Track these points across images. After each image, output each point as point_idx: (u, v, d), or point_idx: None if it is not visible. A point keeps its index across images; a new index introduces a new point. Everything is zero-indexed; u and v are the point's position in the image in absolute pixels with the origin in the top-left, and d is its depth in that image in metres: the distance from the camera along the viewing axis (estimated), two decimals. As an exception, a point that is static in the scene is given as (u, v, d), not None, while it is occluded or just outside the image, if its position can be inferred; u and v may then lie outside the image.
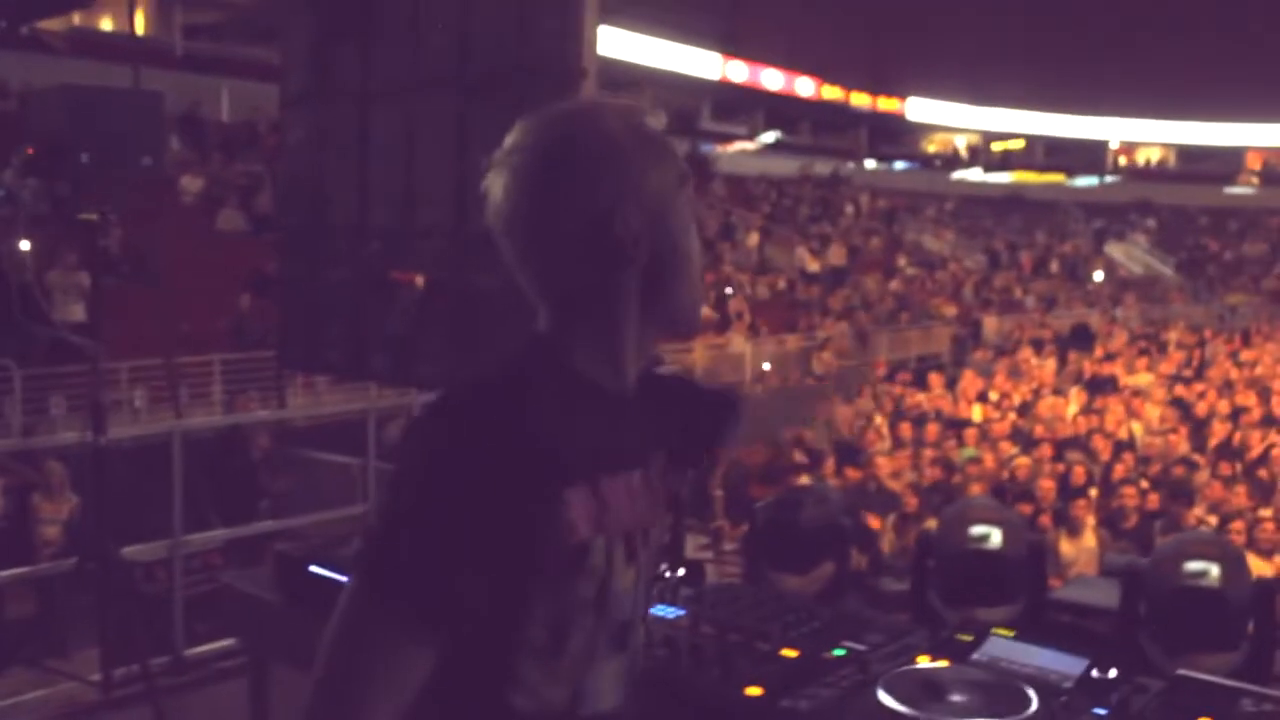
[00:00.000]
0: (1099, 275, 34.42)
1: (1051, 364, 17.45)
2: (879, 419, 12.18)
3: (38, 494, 7.62)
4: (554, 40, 4.20)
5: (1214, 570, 3.73)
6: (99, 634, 4.63)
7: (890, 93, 41.22)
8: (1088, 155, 44.60)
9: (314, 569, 2.63)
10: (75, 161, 4.45)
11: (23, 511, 7.55)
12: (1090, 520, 7.97)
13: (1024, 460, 9.85)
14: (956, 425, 11.85)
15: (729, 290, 19.97)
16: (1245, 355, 18.71)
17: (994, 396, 14.14)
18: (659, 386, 1.52)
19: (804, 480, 8.77)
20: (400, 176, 4.66)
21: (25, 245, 4.56)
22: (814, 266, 24.94)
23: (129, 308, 8.83)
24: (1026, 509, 7.96)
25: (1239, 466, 10.06)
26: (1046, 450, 10.28)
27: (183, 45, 22.56)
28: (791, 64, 36.53)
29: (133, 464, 5.58)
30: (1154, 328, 24.52)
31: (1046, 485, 8.66)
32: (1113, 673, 1.91)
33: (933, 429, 11.28)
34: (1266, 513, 8.18)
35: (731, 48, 34.08)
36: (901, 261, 28.67)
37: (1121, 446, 10.66)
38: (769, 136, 36.72)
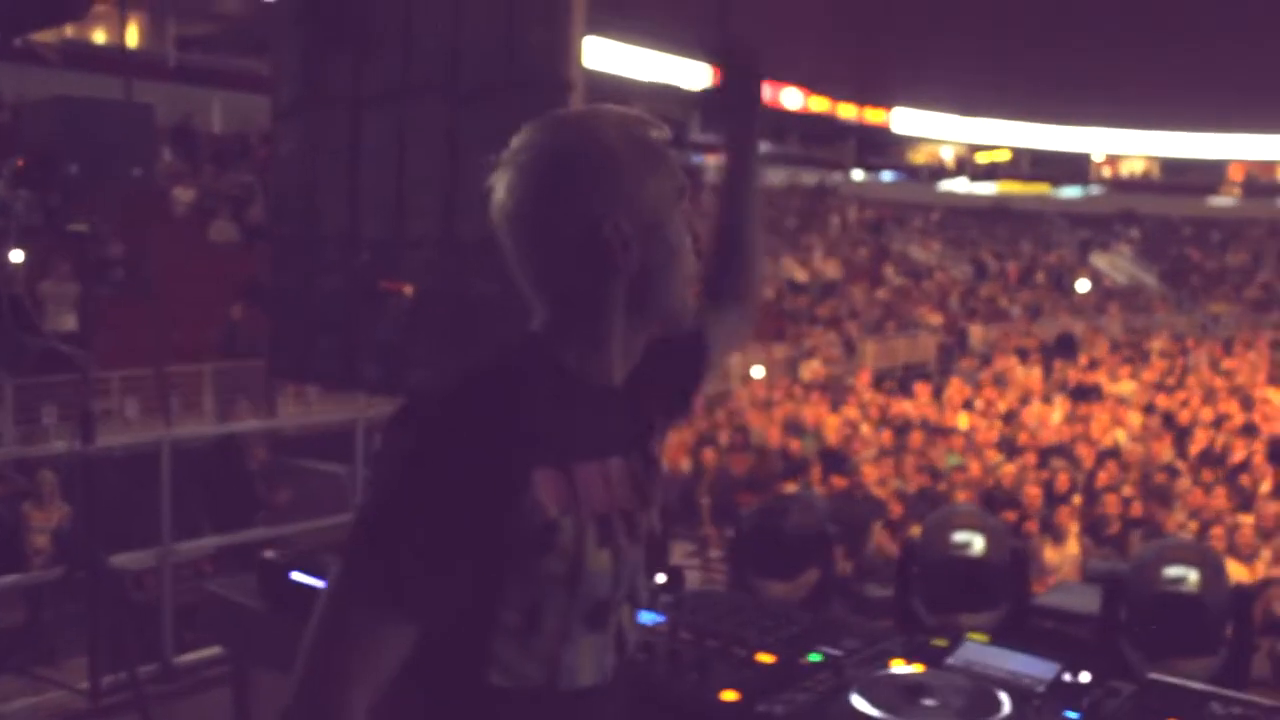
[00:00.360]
0: (1084, 285, 34.55)
1: (1037, 372, 17.53)
2: (865, 427, 12.22)
3: (28, 503, 7.63)
4: (542, 52, 4.24)
5: (1193, 576, 3.78)
6: (87, 642, 4.64)
7: (877, 104, 41.31)
8: (1072, 166, 44.76)
9: (296, 576, 2.65)
10: (66, 172, 4.47)
11: (13, 520, 7.55)
12: (1074, 527, 8.03)
13: (1009, 468, 9.91)
14: (942, 433, 11.92)
15: None
16: (1227, 364, 18.82)
17: (979, 405, 14.20)
18: (643, 365, 1.56)
19: (790, 488, 8.80)
20: (391, 186, 4.69)
21: (18, 256, 4.59)
22: (801, 276, 25.02)
23: (121, 318, 8.83)
24: (1011, 516, 8.01)
25: (1220, 473, 10.14)
26: (1031, 458, 10.34)
27: (175, 57, 22.55)
28: (779, 75, 36.57)
29: (124, 473, 5.59)
30: (1138, 337, 24.63)
31: (1033, 492, 8.71)
32: (1085, 676, 1.94)
33: (918, 436, 11.33)
34: (1247, 519, 8.25)
35: (720, 59, 34.08)
36: (888, 271, 28.75)
37: (1105, 454, 10.72)
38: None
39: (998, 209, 41.85)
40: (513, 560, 1.35)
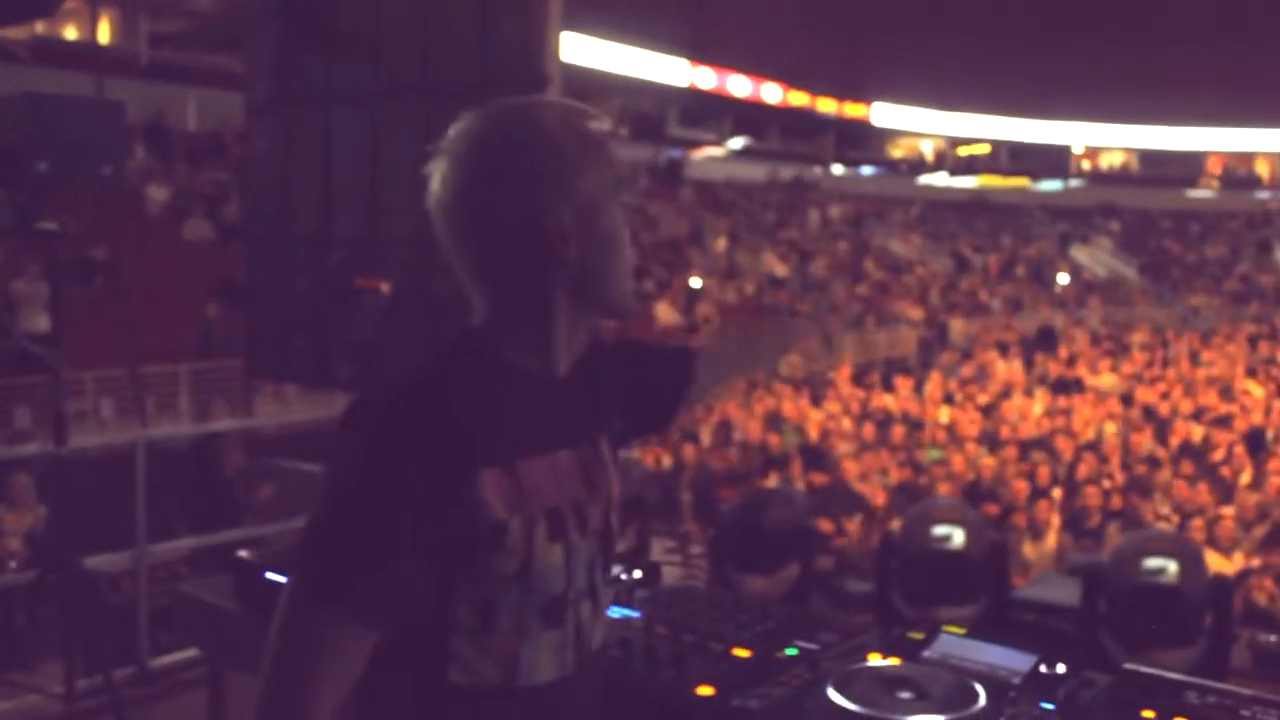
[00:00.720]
0: (1064, 278, 34.71)
1: (1017, 366, 17.59)
2: (846, 422, 12.23)
3: (1, 505, 7.56)
4: (516, 47, 4.22)
5: (1172, 567, 3.80)
6: (62, 646, 4.59)
7: (856, 98, 41.40)
8: (1052, 159, 44.95)
9: (270, 576, 2.63)
10: (35, 170, 4.42)
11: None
12: (1054, 521, 8.05)
13: (989, 461, 9.93)
14: (923, 427, 11.94)
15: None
16: (1206, 356, 18.93)
17: (960, 398, 14.24)
18: (602, 360, 1.56)
19: (771, 483, 8.80)
20: (365, 184, 4.67)
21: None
22: (781, 271, 25.05)
23: (95, 318, 8.77)
24: (993, 509, 8.03)
25: (1200, 465, 10.18)
26: (1012, 451, 10.37)
27: (148, 54, 22.40)
28: (758, 70, 36.62)
29: (99, 475, 5.55)
30: (1118, 329, 24.76)
31: (1020, 486, 8.73)
32: (1060, 668, 1.94)
33: (899, 430, 11.35)
34: (1228, 510, 8.28)
35: (698, 54, 34.14)
36: (868, 265, 28.82)
37: (1085, 447, 10.76)
38: (737, 142, 36.81)
39: (977, 203, 42.02)
40: (463, 561, 1.35)
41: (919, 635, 2.11)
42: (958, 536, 4.17)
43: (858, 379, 16.27)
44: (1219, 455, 10.57)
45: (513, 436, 1.40)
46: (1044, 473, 9.27)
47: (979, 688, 1.81)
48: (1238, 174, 44.95)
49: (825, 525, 8.09)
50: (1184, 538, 5.64)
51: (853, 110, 41.57)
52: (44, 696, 4.61)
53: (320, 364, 4.98)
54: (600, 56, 28.67)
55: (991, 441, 11.18)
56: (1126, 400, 13.98)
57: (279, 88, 5.03)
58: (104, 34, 22.33)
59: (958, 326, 24.24)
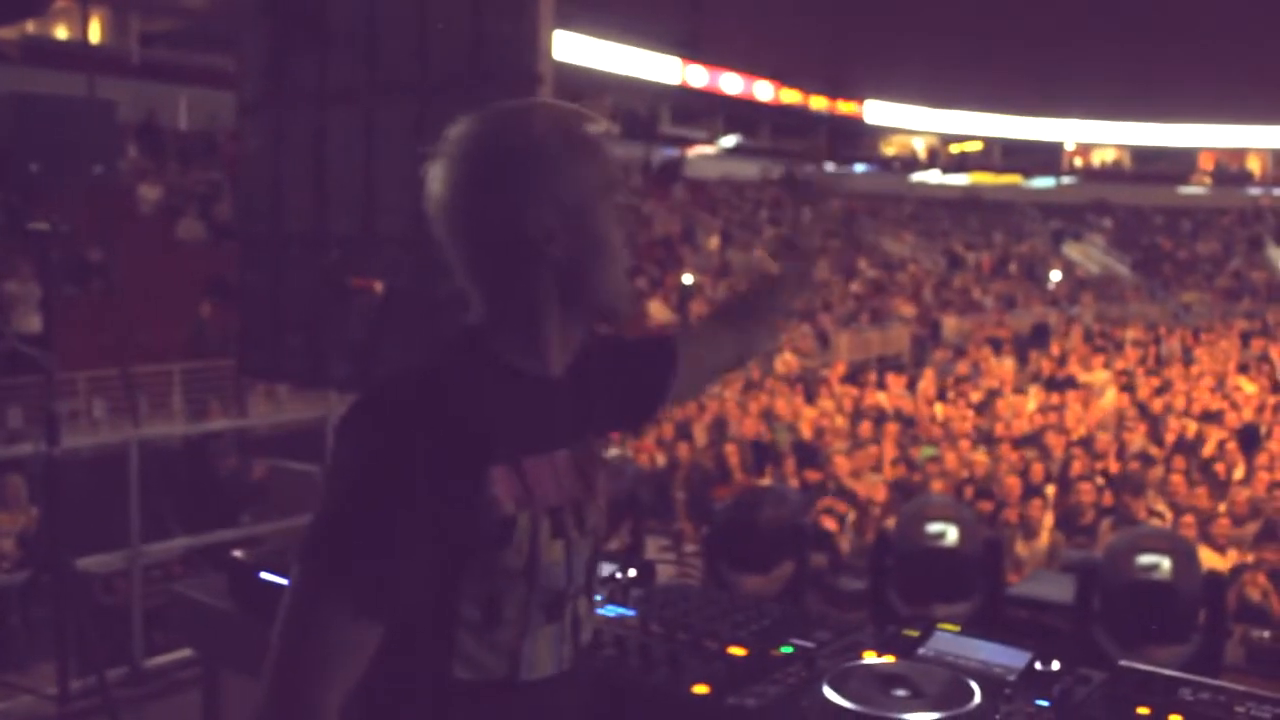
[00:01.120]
0: (1056, 275, 34.76)
1: (1010, 363, 17.62)
2: (840, 419, 12.24)
3: (-7, 506, 7.55)
4: (509, 46, 4.21)
5: (1165, 563, 3.80)
6: (55, 646, 4.58)
7: (848, 96, 41.42)
8: (1044, 156, 44.99)
9: (265, 576, 2.62)
10: (26, 171, 4.41)
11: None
12: (1047, 519, 8.05)
13: (982, 458, 9.94)
14: (917, 424, 11.95)
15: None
16: (1199, 352, 18.97)
17: (953, 396, 14.26)
18: (592, 360, 1.58)
19: (765, 481, 8.81)
20: (359, 183, 4.65)
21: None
22: (774, 269, 25.06)
23: (88, 318, 8.75)
24: (987, 506, 8.03)
25: (1193, 461, 10.20)
26: (1005, 449, 10.38)
27: (139, 53, 22.36)
28: (750, 68, 36.62)
29: (92, 475, 5.53)
30: (1111, 326, 24.80)
31: (1012, 482, 8.73)
32: (1055, 665, 1.94)
33: (893, 428, 11.35)
34: (1221, 507, 8.30)
35: (690, 52, 34.13)
36: (861, 263, 28.84)
37: (1079, 444, 10.78)
38: (729, 140, 36.82)
39: (969, 200, 42.05)
40: (471, 556, 1.37)
41: (914, 633, 2.11)
42: (952, 534, 4.18)
43: (852, 377, 16.29)
44: (1211, 452, 10.59)
45: (517, 434, 1.42)
46: (1037, 470, 9.28)
47: (974, 685, 1.81)
48: (1230, 170, 45.03)
49: (829, 523, 8.11)
50: (1177, 534, 5.66)
51: (845, 108, 41.58)
52: (37, 698, 4.59)
53: (314, 363, 4.97)
54: (592, 54, 28.66)
55: (985, 439, 11.19)
56: (1123, 393, 14.01)
57: (271, 86, 5.02)
58: (95, 33, 22.27)
59: (951, 324, 24.27)
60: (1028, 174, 44.70)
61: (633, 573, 2.40)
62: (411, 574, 1.33)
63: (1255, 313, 28.62)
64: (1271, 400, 13.71)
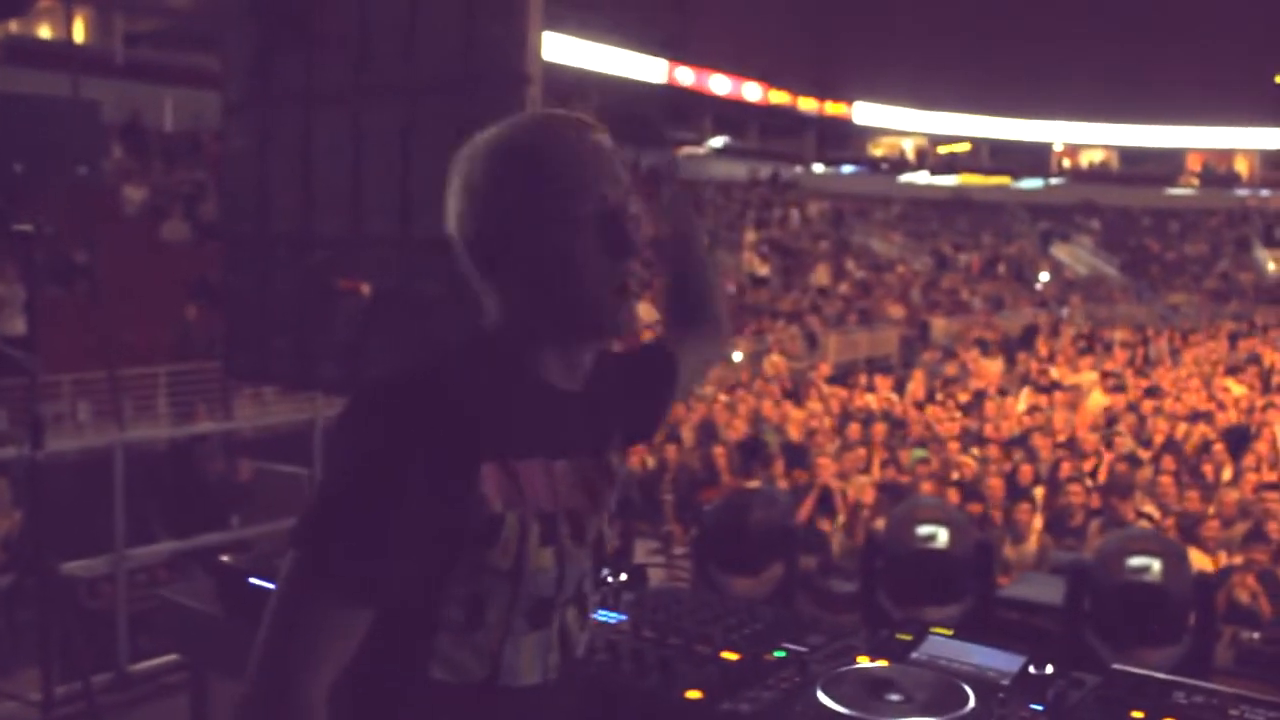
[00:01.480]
0: (1045, 276, 34.84)
1: (999, 364, 17.64)
2: (828, 421, 12.24)
3: (-23, 510, 7.50)
4: (499, 47, 4.19)
5: (1156, 565, 3.80)
6: (39, 652, 4.54)
7: (837, 97, 41.49)
8: (1032, 158, 45.12)
9: (254, 581, 2.61)
10: (10, 171, 4.38)
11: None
12: (1036, 522, 8.04)
13: (969, 460, 9.93)
14: (906, 426, 11.95)
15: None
16: (1187, 354, 19.03)
17: (942, 397, 14.26)
18: (607, 374, 1.58)
19: (753, 483, 8.79)
20: (346, 184, 4.63)
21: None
22: (763, 270, 25.08)
23: (72, 319, 8.70)
24: (976, 509, 8.02)
25: (1181, 463, 10.20)
26: (994, 451, 10.37)
27: (123, 53, 22.26)
28: (739, 69, 36.66)
29: (77, 478, 5.49)
30: (1099, 327, 24.87)
31: (999, 484, 8.72)
32: (1049, 669, 1.93)
33: (881, 429, 11.34)
34: (1210, 509, 8.30)
35: (678, 53, 34.14)
36: (850, 264, 28.88)
37: (1066, 445, 10.78)
38: (717, 141, 36.84)
39: (958, 201, 42.15)
40: (458, 552, 1.37)
41: (907, 637, 2.10)
42: (942, 536, 4.17)
43: (842, 378, 16.28)
44: (1199, 453, 10.60)
45: (512, 436, 1.42)
46: (1026, 472, 9.28)
47: (967, 689, 1.80)
48: (1217, 172, 45.21)
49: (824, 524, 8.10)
50: (1167, 536, 5.66)
51: (834, 109, 41.66)
52: (21, 703, 4.55)
53: (301, 365, 4.94)
54: (580, 55, 28.65)
55: (974, 440, 11.19)
56: (1111, 394, 14.04)
57: (257, 86, 4.99)
58: (79, 33, 22.17)
59: (939, 325, 24.30)
60: (1016, 175, 44.81)
61: (624, 577, 2.39)
62: (403, 560, 1.33)
63: (1243, 314, 28.73)
64: (1260, 401, 13.74)
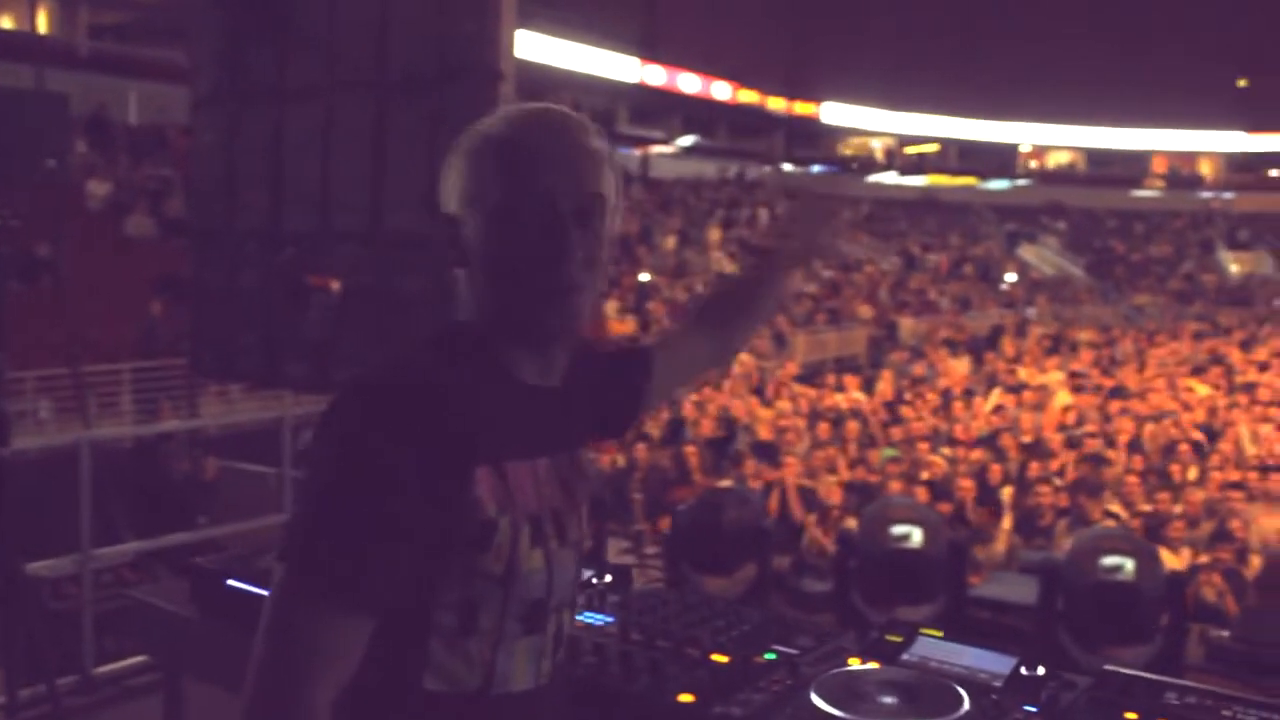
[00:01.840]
0: (1011, 277, 35.08)
1: (967, 364, 17.73)
2: (799, 420, 12.24)
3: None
4: (471, 43, 4.17)
5: (1129, 565, 3.82)
6: (3, 654, 4.47)
7: (806, 97, 41.62)
8: (999, 159, 45.43)
9: (232, 583, 2.56)
10: (-26, 164, 4.31)
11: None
12: (1005, 522, 8.08)
13: (939, 460, 9.96)
14: (875, 425, 11.97)
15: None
16: (1152, 354, 19.19)
17: (911, 397, 14.31)
18: (579, 369, 1.55)
19: (724, 483, 8.77)
20: (315, 179, 4.59)
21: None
22: (731, 269, 25.11)
23: (35, 315, 8.58)
24: (946, 508, 8.05)
25: (1147, 463, 10.28)
26: (964, 451, 10.41)
27: (88, 46, 22.03)
28: (709, 68, 36.70)
29: (41, 477, 5.41)
30: (1065, 327, 25.05)
31: (969, 484, 8.75)
32: (1040, 670, 1.92)
33: (852, 428, 11.37)
34: (1176, 508, 8.37)
35: (649, 51, 34.15)
36: (817, 264, 28.95)
37: (1033, 445, 10.83)
38: (686, 140, 36.87)
39: (926, 201, 42.38)
40: (451, 558, 1.33)
41: (897, 638, 2.09)
42: (917, 536, 4.18)
43: (810, 378, 16.30)
44: (1165, 453, 10.69)
45: (502, 437, 1.39)
46: (995, 471, 9.31)
47: (962, 692, 1.79)
48: (1182, 174, 45.68)
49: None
50: (1138, 535, 5.69)
51: (802, 109, 41.79)
52: (-16, 706, 4.48)
53: (269, 363, 4.89)
54: (551, 53, 28.60)
55: (944, 440, 11.23)
56: (1077, 394, 14.13)
57: (226, 80, 4.94)
58: (43, 24, 21.94)
59: (907, 325, 24.40)
60: (983, 176, 45.12)
61: (608, 578, 2.36)
62: (396, 572, 1.29)
63: (1206, 315, 29.03)
64: (1224, 401, 13.88)
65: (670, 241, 25.68)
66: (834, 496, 8.59)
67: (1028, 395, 13.90)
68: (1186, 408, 13.33)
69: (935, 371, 17.09)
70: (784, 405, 13.23)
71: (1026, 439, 11.12)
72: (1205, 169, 45.95)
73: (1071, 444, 11.05)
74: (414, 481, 1.27)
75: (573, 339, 1.49)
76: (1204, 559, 7.29)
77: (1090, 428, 11.97)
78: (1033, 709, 1.79)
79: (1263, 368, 17.65)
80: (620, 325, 17.77)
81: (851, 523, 6.25)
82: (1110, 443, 11.29)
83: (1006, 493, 8.87)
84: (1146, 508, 8.42)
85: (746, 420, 12.26)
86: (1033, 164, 46.60)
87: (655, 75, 35.10)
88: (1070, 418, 12.80)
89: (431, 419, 1.31)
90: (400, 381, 1.35)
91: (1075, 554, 4.01)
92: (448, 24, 4.21)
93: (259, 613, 1.26)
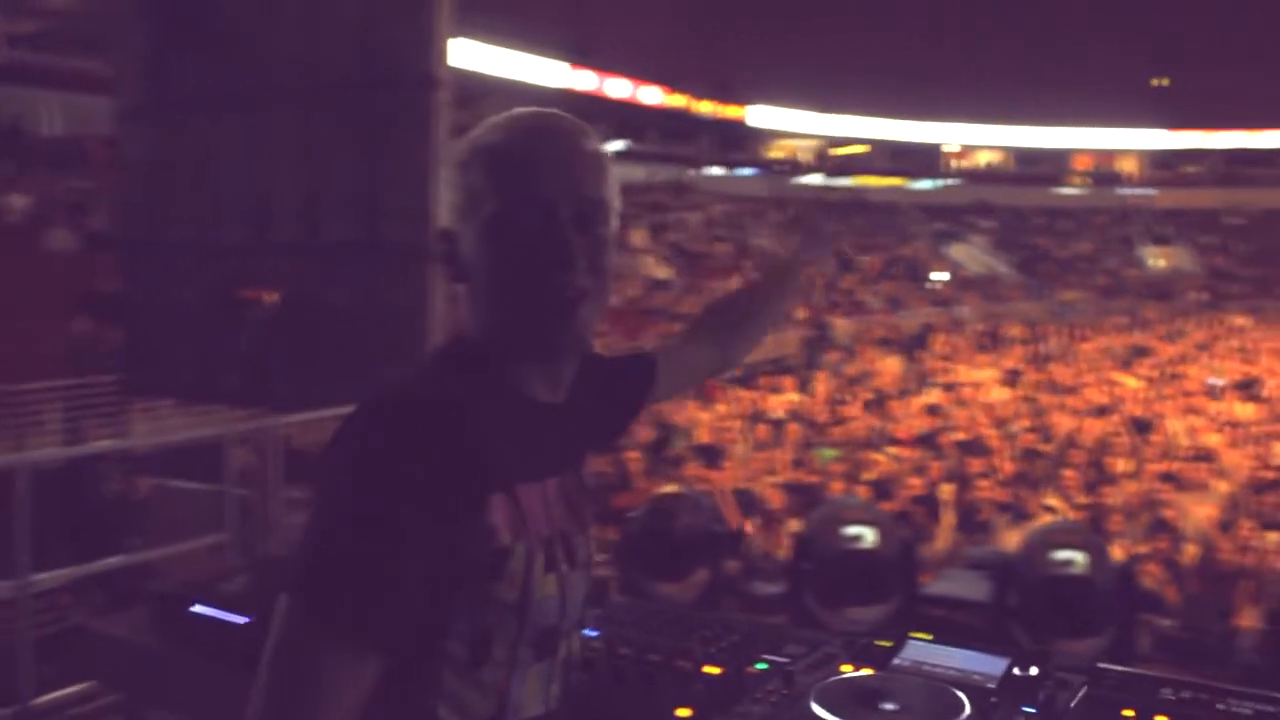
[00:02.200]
0: (941, 275, 35.52)
1: (896, 362, 17.91)
2: (737, 423, 12.26)
3: None
4: (407, 50, 4.11)
5: (1081, 558, 3.84)
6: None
7: (733, 100, 41.84)
8: (926, 159, 46.00)
9: (197, 609, 2.43)
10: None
11: None
12: (947, 517, 8.13)
13: (883, 458, 10.02)
14: (816, 427, 12.03)
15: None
16: (1080, 348, 19.53)
17: (847, 397, 14.41)
18: (582, 382, 1.49)
19: (668, 488, 8.73)
20: (248, 190, 4.50)
21: None
22: (663, 273, 25.16)
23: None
24: (889, 507, 8.08)
25: (1083, 455, 10.42)
26: (904, 449, 10.48)
27: (3, 55, 21.52)
28: (637, 73, 36.78)
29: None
30: (995, 324, 25.41)
31: (915, 482, 8.80)
32: (1034, 670, 1.91)
33: (793, 429, 11.40)
34: (1113, 500, 8.49)
35: (578, 57, 34.13)
36: (748, 266, 29.10)
37: (970, 443, 10.94)
38: (617, 144, 36.90)
39: (855, 202, 42.78)
40: (465, 588, 1.28)
41: (887, 643, 2.07)
42: (869, 536, 4.17)
43: (745, 380, 16.34)
44: (1099, 446, 10.84)
45: (514, 461, 1.33)
46: (935, 469, 9.38)
47: (962, 695, 1.77)
48: (1104, 172, 46.60)
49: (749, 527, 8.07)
50: (1088, 528, 5.74)
51: (729, 112, 42.00)
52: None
53: (203, 377, 4.78)
54: (480, 59, 28.47)
55: (883, 440, 11.30)
56: (1010, 390, 14.32)
57: (151, 91, 4.82)
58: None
59: (840, 326, 24.59)
60: (911, 176, 45.66)
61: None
62: (408, 605, 1.23)
63: (1131, 310, 29.62)
64: (1151, 394, 14.14)
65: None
66: (775, 499, 8.59)
67: (965, 392, 14.06)
68: (1118, 401, 13.56)
69: (869, 371, 17.24)
70: (722, 408, 13.25)
71: (963, 436, 11.23)
72: (1125, 166, 46.90)
73: (1007, 439, 11.17)
74: (429, 512, 1.21)
75: (580, 351, 1.43)
76: (1143, 549, 7.39)
77: (1024, 422, 12.13)
78: (1031, 709, 1.78)
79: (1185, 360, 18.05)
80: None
81: (795, 524, 6.25)
82: (1046, 437, 11.44)
83: (947, 490, 8.93)
84: (1085, 500, 8.53)
85: (685, 424, 12.24)
86: (960, 163, 47.25)
87: (585, 81, 35.09)
88: (1005, 413, 12.96)
89: (447, 445, 1.24)
90: (409, 405, 1.28)
91: (1027, 549, 4.03)
92: (379, 30, 4.15)
93: (228, 640, 1.19)
